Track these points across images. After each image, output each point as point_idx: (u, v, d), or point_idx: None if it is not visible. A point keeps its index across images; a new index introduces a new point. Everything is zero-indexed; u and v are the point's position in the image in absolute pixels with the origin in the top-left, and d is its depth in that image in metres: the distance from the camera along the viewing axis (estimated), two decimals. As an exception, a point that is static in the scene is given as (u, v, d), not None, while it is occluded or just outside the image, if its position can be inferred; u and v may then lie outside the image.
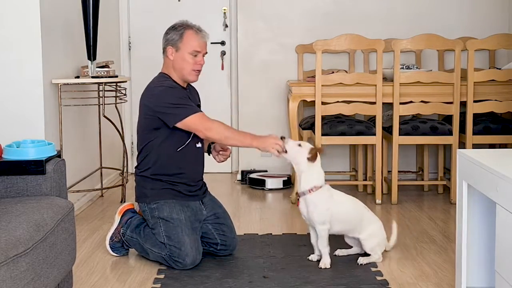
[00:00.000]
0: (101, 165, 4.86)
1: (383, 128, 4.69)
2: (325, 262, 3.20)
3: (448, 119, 4.76)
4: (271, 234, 3.85)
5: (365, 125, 4.59)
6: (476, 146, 4.50)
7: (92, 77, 4.27)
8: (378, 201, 4.59)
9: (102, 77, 4.31)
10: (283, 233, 3.87)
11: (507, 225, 2.13)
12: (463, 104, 4.57)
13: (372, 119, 4.80)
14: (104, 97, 4.37)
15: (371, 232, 3.29)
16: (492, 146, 4.83)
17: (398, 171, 4.76)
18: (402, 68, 4.73)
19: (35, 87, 3.82)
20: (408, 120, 4.72)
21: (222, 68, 5.79)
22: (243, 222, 4.14)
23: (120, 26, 5.79)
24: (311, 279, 3.05)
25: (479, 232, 2.62)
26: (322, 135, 4.52)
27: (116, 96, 4.53)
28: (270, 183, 5.17)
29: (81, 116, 4.55)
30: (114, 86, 4.54)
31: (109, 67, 4.40)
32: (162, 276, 3.12)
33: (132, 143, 5.75)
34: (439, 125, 4.61)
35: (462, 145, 4.59)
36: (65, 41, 4.28)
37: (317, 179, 3.21)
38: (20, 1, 3.75)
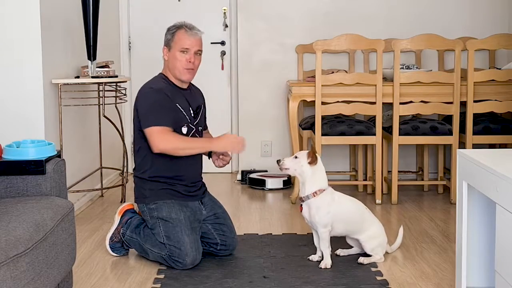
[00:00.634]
0: (101, 165, 4.86)
1: (383, 128, 4.69)
2: (326, 263, 3.20)
3: (448, 119, 4.75)
4: (271, 234, 3.85)
5: (365, 125, 4.59)
6: (476, 146, 4.50)
7: (92, 77, 4.27)
8: (378, 201, 4.59)
9: (102, 77, 4.31)
10: (283, 233, 3.87)
11: (507, 225, 2.13)
12: (463, 104, 4.57)
13: (372, 119, 4.80)
14: (104, 97, 4.37)
15: (371, 233, 3.30)
16: (492, 146, 4.83)
17: (398, 171, 4.76)
18: (402, 68, 4.73)
19: (35, 87, 3.82)
20: (408, 120, 4.72)
21: (222, 68, 5.78)
22: (243, 222, 4.14)
23: (120, 26, 5.78)
24: (311, 279, 3.05)
25: (479, 232, 2.62)
26: (322, 135, 4.52)
27: (116, 96, 4.53)
28: (270, 183, 5.17)
29: (81, 116, 4.55)
30: (114, 86, 4.54)
31: (109, 67, 4.40)
32: (162, 276, 3.12)
33: (132, 143, 5.74)
34: (439, 125, 4.61)
35: (462, 145, 4.59)
36: (65, 41, 4.28)
37: (321, 182, 3.22)
38: (20, 1, 3.75)
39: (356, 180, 5.12)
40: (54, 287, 2.42)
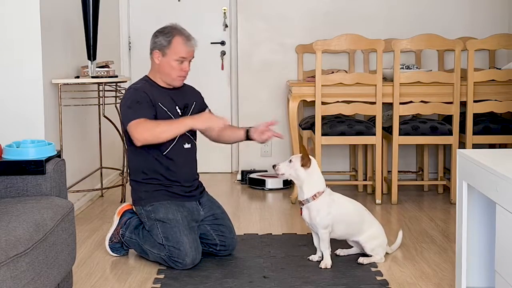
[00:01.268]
0: (101, 165, 4.86)
1: (383, 128, 4.69)
2: (326, 263, 3.20)
3: (448, 119, 4.75)
4: (271, 234, 3.85)
5: (365, 125, 4.59)
6: (476, 146, 4.50)
7: (92, 77, 4.27)
8: (378, 201, 4.59)
9: (102, 77, 4.31)
10: (283, 233, 3.86)
11: (507, 225, 2.13)
12: (463, 104, 4.57)
13: (372, 119, 4.80)
14: (104, 97, 4.37)
15: (371, 234, 3.29)
16: (492, 146, 4.83)
17: (398, 171, 4.76)
18: (402, 68, 4.73)
19: (35, 87, 3.82)
20: (408, 120, 4.72)
21: (222, 68, 5.78)
22: (243, 222, 4.14)
23: (120, 26, 5.79)
24: (311, 279, 3.05)
25: (479, 232, 2.62)
26: (322, 135, 4.52)
27: (116, 96, 4.53)
28: (270, 183, 5.17)
29: (81, 116, 4.55)
30: (114, 86, 4.54)
31: (109, 67, 4.40)
32: (162, 276, 3.12)
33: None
34: (439, 125, 4.61)
35: (462, 145, 4.59)
36: (65, 41, 4.28)
37: (318, 184, 3.21)
38: (20, 1, 3.75)
39: (356, 180, 5.12)
40: (54, 287, 2.42)
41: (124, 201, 4.56)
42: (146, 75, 3.40)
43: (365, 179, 5.00)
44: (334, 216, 3.20)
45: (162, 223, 3.23)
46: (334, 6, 5.55)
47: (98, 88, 4.37)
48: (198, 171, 3.49)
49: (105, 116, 4.41)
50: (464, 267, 2.61)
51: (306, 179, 3.19)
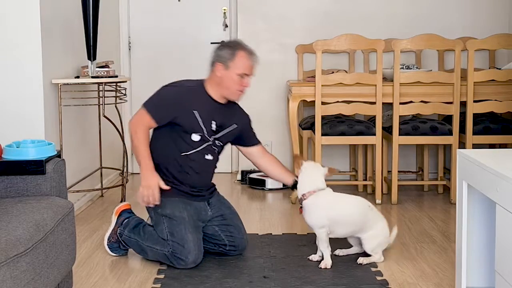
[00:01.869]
0: (101, 165, 4.86)
1: (383, 128, 4.69)
2: (326, 263, 3.20)
3: (448, 119, 4.75)
4: (271, 234, 3.85)
5: (365, 125, 4.59)
6: (476, 146, 4.50)
7: (92, 77, 4.27)
8: (378, 201, 4.59)
9: (102, 77, 4.31)
10: (283, 233, 3.87)
11: (507, 225, 2.13)
12: (463, 104, 4.57)
13: (372, 119, 4.80)
14: (104, 97, 4.37)
15: (373, 232, 3.29)
16: (492, 146, 4.83)
17: (398, 171, 4.76)
18: (402, 68, 4.73)
19: (35, 87, 3.82)
20: (408, 120, 4.72)
21: (222, 68, 5.78)
22: (243, 222, 4.13)
23: (120, 26, 5.78)
24: (311, 279, 3.05)
25: (479, 232, 2.62)
26: (322, 135, 4.52)
27: (116, 96, 4.53)
28: (270, 183, 5.17)
29: (81, 116, 4.55)
30: (114, 86, 4.54)
31: (109, 67, 4.40)
32: (162, 276, 3.12)
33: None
34: (439, 125, 4.61)
35: (462, 145, 4.59)
36: (65, 41, 4.28)
37: (310, 184, 3.25)
38: (20, 1, 3.75)
39: (356, 180, 5.12)
40: (54, 287, 2.42)
41: (124, 201, 4.55)
42: (203, 80, 3.34)
43: (365, 179, 5.00)
44: (333, 217, 3.21)
45: (169, 219, 3.23)
46: (334, 6, 5.55)
47: (98, 88, 4.37)
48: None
49: (105, 116, 4.41)
50: (464, 267, 2.61)
51: (299, 180, 3.28)
